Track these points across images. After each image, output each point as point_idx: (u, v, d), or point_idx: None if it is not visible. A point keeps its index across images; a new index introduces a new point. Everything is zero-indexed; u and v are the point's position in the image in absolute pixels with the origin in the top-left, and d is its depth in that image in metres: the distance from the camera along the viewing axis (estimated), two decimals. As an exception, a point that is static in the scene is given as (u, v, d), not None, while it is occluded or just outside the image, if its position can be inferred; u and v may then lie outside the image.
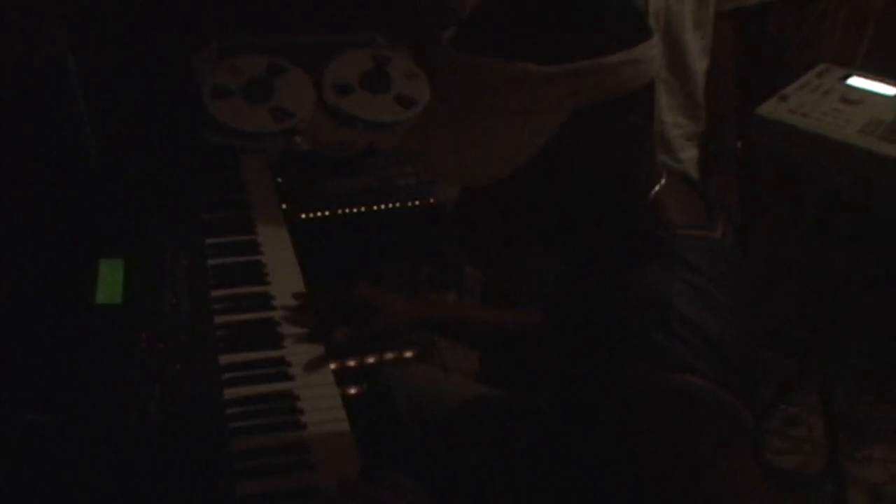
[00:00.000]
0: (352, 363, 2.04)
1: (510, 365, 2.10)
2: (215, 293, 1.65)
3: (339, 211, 2.11)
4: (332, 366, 1.53)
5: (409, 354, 2.09)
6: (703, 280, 0.99)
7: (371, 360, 2.04)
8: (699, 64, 2.13)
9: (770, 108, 2.03)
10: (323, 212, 2.10)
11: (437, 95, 1.04)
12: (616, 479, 1.02)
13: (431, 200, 2.13)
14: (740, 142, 2.27)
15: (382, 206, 2.14)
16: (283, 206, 1.99)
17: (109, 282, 1.59)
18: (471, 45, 0.98)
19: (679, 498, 0.94)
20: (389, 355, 2.10)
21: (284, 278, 1.71)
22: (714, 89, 2.20)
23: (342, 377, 1.53)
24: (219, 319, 1.59)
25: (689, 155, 2.21)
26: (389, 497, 1.14)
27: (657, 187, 1.07)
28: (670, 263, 1.00)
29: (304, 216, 2.08)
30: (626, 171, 1.04)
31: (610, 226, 1.07)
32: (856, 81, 2.12)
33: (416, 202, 2.14)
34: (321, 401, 1.44)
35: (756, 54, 2.55)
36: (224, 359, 1.50)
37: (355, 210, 2.12)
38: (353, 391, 1.94)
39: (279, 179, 2.08)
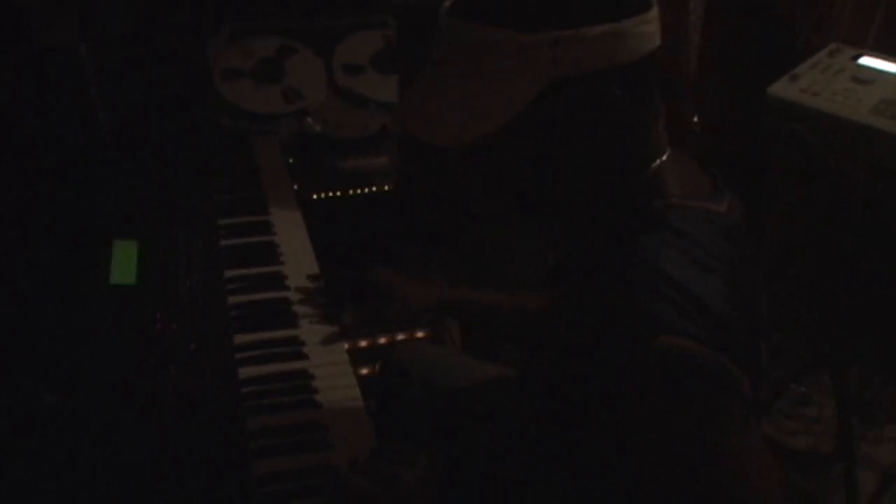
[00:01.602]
0: (363, 343, 2.04)
1: (493, 342, 2.11)
2: (229, 273, 1.66)
3: (351, 191, 2.12)
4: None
5: (420, 335, 2.09)
6: (695, 247, 0.98)
7: (382, 340, 2.04)
8: None
9: (781, 88, 2.02)
10: (335, 192, 2.11)
11: (431, 57, 1.05)
12: (618, 455, 1.01)
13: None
14: (696, 118, 2.24)
15: (395, 187, 2.14)
16: (295, 186, 1.99)
17: (123, 262, 1.60)
18: (460, 10, 0.98)
19: (678, 469, 0.93)
20: (401, 336, 2.11)
21: (297, 258, 1.72)
22: (669, 63, 2.14)
23: (354, 358, 1.53)
24: (232, 300, 1.60)
25: None
26: (401, 473, 1.14)
27: (658, 161, 1.06)
28: (662, 230, 0.99)
29: (315, 196, 2.08)
30: (618, 143, 1.02)
31: (607, 199, 1.07)
32: (868, 61, 2.10)
33: (429, 183, 2.14)
34: (336, 379, 1.45)
35: (758, 33, 2.53)
36: (238, 338, 1.51)
37: (367, 190, 2.12)
38: (364, 371, 1.95)
39: (291, 160, 2.09)
